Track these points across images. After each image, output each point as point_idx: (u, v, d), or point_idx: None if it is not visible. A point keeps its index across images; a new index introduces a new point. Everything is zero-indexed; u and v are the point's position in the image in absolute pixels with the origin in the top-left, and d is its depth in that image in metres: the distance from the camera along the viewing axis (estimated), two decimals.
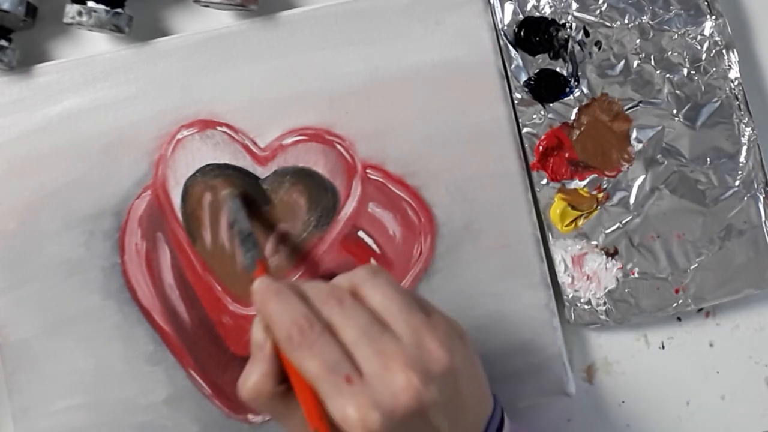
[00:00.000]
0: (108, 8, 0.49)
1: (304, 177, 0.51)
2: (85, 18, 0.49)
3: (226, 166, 0.51)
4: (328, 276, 0.45)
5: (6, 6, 0.49)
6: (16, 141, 0.51)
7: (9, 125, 0.51)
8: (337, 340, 0.37)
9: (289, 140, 0.51)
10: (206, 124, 0.51)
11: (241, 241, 0.46)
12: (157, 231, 0.51)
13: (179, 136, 0.51)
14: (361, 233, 0.51)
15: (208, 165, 0.51)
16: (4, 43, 0.51)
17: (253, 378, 0.38)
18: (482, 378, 0.41)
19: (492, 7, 0.52)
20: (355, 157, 0.51)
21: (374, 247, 0.51)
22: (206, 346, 0.50)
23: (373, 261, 0.51)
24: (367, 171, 0.51)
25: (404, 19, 0.51)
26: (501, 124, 0.51)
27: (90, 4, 0.50)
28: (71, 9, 0.50)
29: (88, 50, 0.53)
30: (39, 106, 0.51)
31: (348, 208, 0.51)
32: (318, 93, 0.51)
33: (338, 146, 0.51)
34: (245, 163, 0.51)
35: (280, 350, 0.38)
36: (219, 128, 0.51)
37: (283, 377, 0.39)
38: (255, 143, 0.51)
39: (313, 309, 0.38)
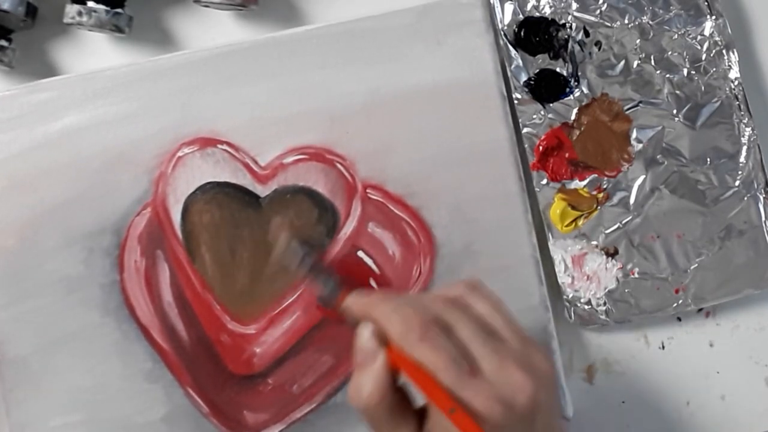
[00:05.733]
0: (108, 8, 0.50)
1: (305, 196, 0.51)
2: (85, 18, 0.49)
3: (227, 185, 0.51)
4: None
5: (6, 6, 0.49)
6: (16, 157, 0.51)
7: (9, 141, 0.51)
8: (454, 338, 0.38)
9: (289, 159, 0.51)
10: (207, 142, 0.51)
11: (316, 276, 0.46)
12: (156, 248, 0.51)
13: (180, 153, 0.51)
14: (360, 253, 0.51)
15: (209, 183, 0.51)
16: (4, 43, 0.51)
17: (371, 385, 0.38)
18: None
19: (492, 8, 0.52)
20: (355, 177, 0.51)
21: (373, 267, 0.51)
22: (204, 364, 0.50)
23: (372, 282, 0.51)
24: (368, 191, 0.51)
25: (406, 40, 0.51)
26: (502, 145, 0.51)
27: (90, 4, 0.50)
28: (71, 9, 0.50)
29: (88, 50, 0.53)
30: (39, 123, 0.51)
31: (348, 228, 0.51)
32: (319, 112, 0.51)
33: (339, 165, 0.51)
34: (245, 181, 0.51)
35: (393, 353, 0.38)
36: (220, 146, 0.51)
37: (396, 386, 0.39)
38: (255, 161, 0.51)
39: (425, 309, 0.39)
